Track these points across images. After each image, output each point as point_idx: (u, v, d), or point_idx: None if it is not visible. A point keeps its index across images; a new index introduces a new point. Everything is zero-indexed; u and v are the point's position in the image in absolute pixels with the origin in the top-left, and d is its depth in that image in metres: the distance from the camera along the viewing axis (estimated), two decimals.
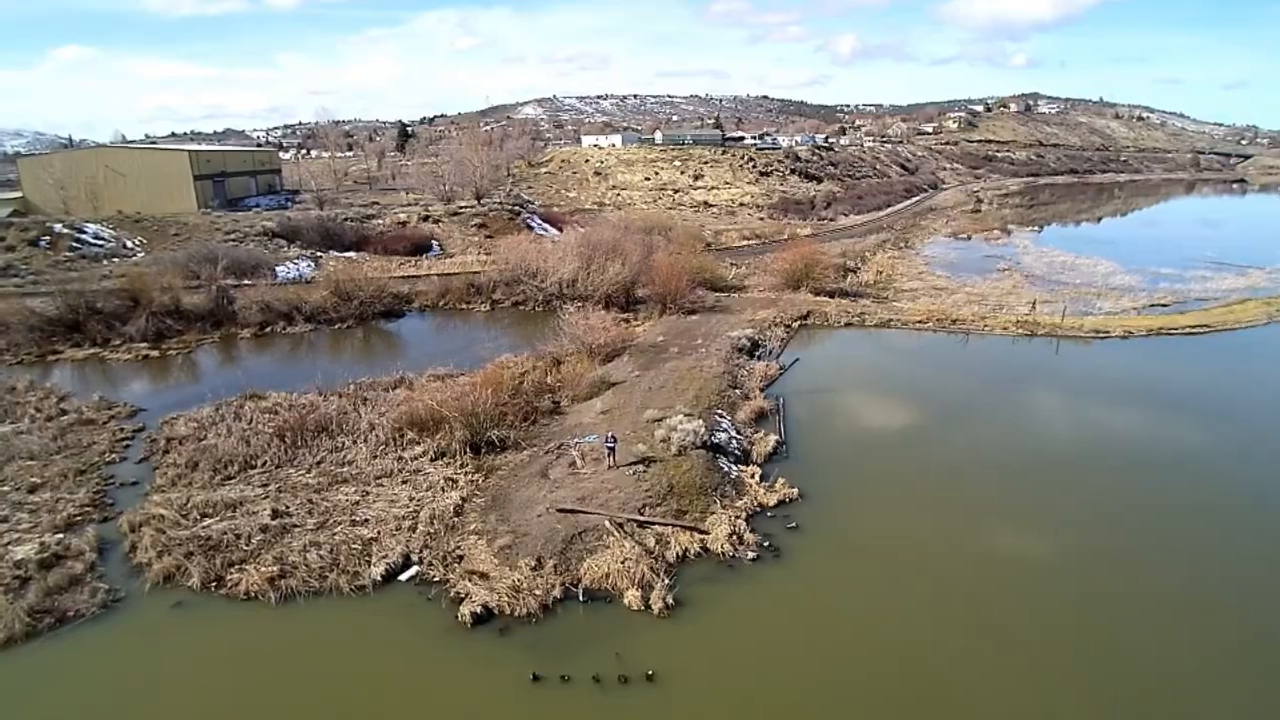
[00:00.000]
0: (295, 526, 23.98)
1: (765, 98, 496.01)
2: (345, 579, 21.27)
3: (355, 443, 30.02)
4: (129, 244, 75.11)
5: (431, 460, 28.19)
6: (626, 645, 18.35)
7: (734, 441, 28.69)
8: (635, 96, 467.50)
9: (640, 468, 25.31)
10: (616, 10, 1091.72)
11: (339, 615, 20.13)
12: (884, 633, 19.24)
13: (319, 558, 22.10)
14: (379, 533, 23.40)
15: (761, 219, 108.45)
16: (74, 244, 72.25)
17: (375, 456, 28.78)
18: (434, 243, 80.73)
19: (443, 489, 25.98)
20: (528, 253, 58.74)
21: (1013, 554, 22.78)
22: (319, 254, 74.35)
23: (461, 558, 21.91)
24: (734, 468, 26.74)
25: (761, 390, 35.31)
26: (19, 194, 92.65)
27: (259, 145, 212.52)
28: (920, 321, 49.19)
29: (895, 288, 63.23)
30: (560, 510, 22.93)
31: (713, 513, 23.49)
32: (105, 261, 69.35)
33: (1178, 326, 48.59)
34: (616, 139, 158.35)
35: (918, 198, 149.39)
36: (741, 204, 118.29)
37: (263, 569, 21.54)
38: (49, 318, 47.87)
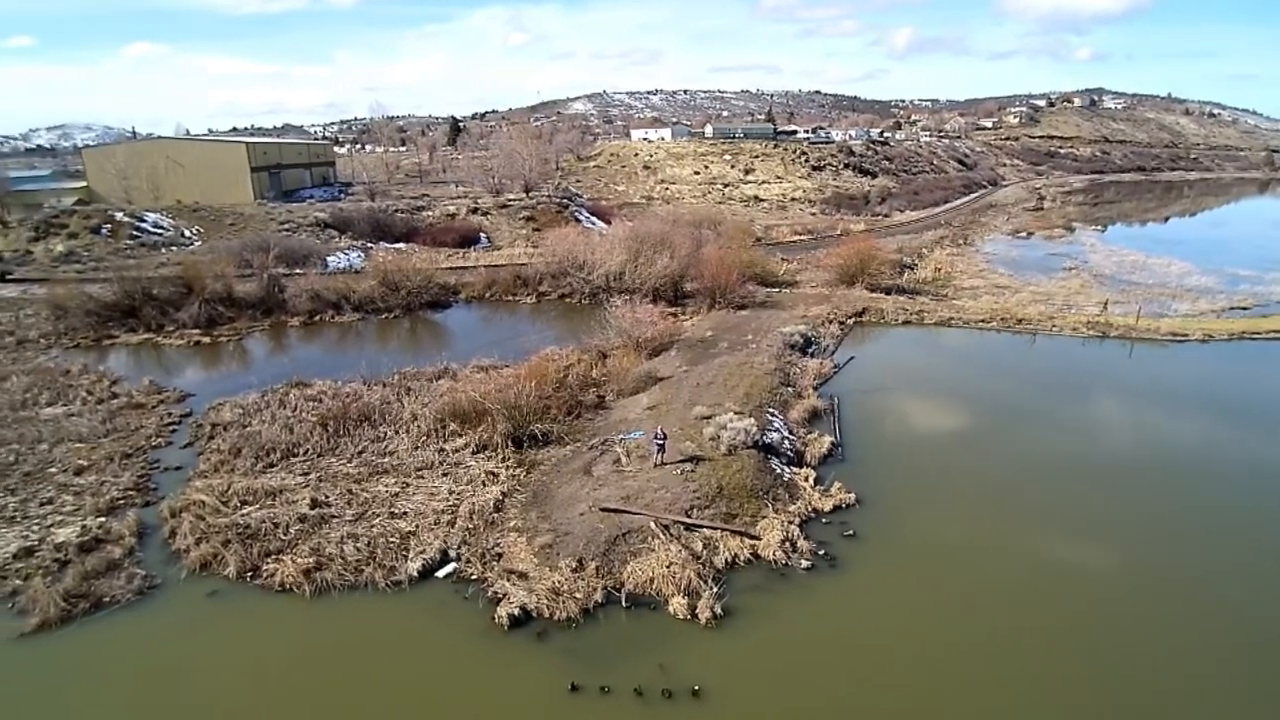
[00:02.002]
0: (333, 517, 23.43)
1: (817, 93, 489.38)
2: (381, 574, 20.58)
3: (397, 433, 29.50)
4: (186, 233, 76.65)
5: (473, 453, 27.46)
6: (670, 656, 17.23)
7: (786, 442, 27.31)
8: (685, 92, 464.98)
9: (688, 467, 24.13)
10: (666, 6, 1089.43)
11: (373, 611, 19.44)
12: (945, 651, 17.75)
13: (356, 550, 21.48)
14: (417, 526, 22.71)
15: (813, 214, 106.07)
16: (134, 232, 74.03)
17: (416, 448, 28.18)
18: (482, 235, 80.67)
19: (483, 483, 25.21)
20: (575, 245, 57.91)
21: (1082, 570, 21.02)
22: (369, 245, 74.85)
23: (500, 556, 21.05)
24: (787, 470, 25.37)
25: (815, 389, 33.78)
26: (84, 184, 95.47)
27: (315, 139, 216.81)
28: (983, 320, 46.92)
29: (955, 285, 60.76)
30: (604, 509, 21.91)
31: (764, 517, 22.18)
32: (163, 250, 70.84)
33: (1261, 331, 45.40)
34: (666, 133, 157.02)
35: (977, 194, 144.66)
36: (793, 199, 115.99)
37: (299, 560, 20.99)
38: (106, 303, 48.73)
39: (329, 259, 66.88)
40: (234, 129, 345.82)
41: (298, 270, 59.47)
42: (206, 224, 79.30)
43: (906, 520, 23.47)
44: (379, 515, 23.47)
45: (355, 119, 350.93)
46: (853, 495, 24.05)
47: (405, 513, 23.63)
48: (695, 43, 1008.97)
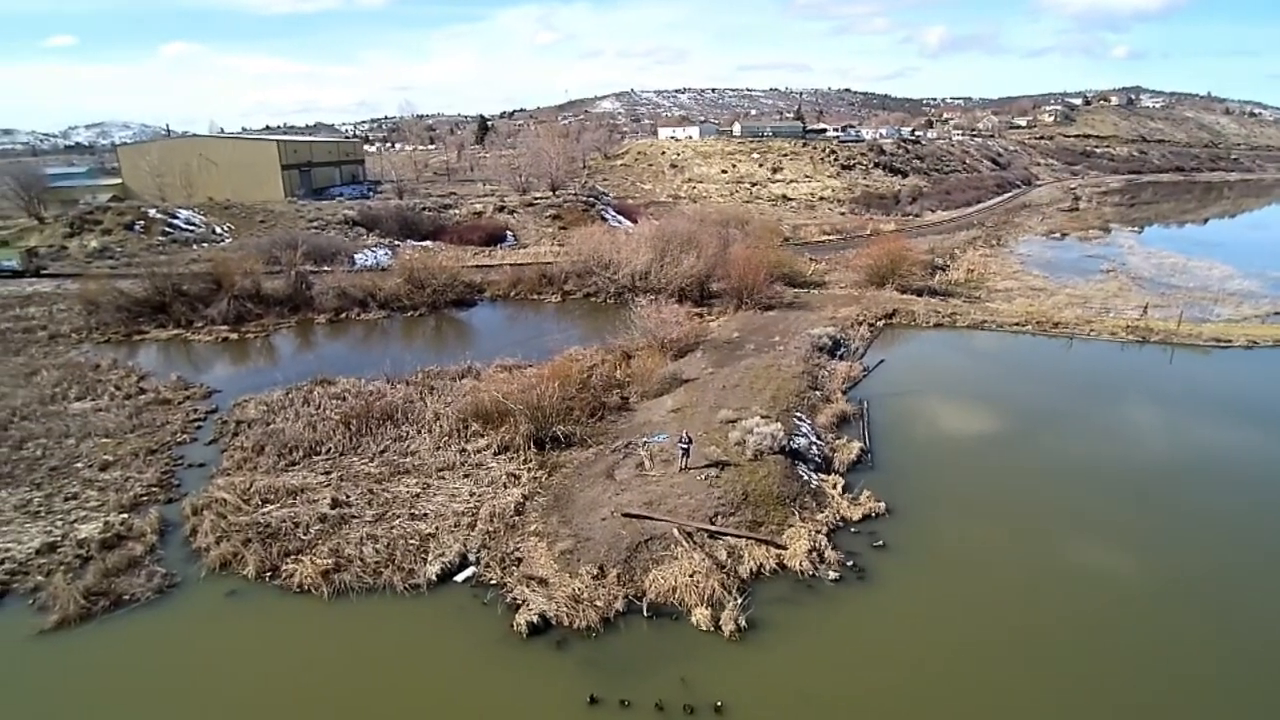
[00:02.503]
0: (354, 517, 23.21)
1: (847, 91, 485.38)
2: (400, 576, 20.28)
3: (419, 433, 29.28)
4: (218, 230, 77.49)
5: (495, 454, 27.13)
6: (693, 670, 16.68)
7: (814, 447, 26.60)
8: (713, 90, 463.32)
9: (713, 472, 23.54)
10: (694, 3, 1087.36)
11: (391, 615, 19.13)
12: (977, 668, 17.04)
13: (375, 552, 21.21)
14: (437, 528, 22.39)
15: (843, 214, 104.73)
16: (166, 228, 74.99)
17: (438, 448, 27.92)
18: (508, 233, 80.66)
19: (504, 485, 24.85)
20: (600, 244, 57.51)
21: (1120, 584, 20.16)
22: (396, 242, 75.14)
23: (520, 560, 20.65)
24: (814, 476, 24.68)
25: (844, 393, 33.00)
26: (119, 180, 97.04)
27: (346, 138, 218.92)
28: (1017, 324, 45.71)
29: (988, 287, 59.42)
30: (626, 515, 21.42)
31: (791, 525, 21.54)
32: (194, 246, 71.65)
33: None
34: (693, 131, 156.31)
35: (1010, 193, 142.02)
36: (822, 198, 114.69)
37: (318, 561, 20.77)
38: (137, 299, 49.25)
39: (356, 256, 67.20)
40: (267, 127, 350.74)
41: (325, 268, 59.75)
42: (237, 221, 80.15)
43: (938, 530, 22.69)
44: (399, 516, 23.20)
45: (385, 118, 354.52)
46: (882, 504, 23.31)
47: (425, 514, 23.33)
48: (723, 41, 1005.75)
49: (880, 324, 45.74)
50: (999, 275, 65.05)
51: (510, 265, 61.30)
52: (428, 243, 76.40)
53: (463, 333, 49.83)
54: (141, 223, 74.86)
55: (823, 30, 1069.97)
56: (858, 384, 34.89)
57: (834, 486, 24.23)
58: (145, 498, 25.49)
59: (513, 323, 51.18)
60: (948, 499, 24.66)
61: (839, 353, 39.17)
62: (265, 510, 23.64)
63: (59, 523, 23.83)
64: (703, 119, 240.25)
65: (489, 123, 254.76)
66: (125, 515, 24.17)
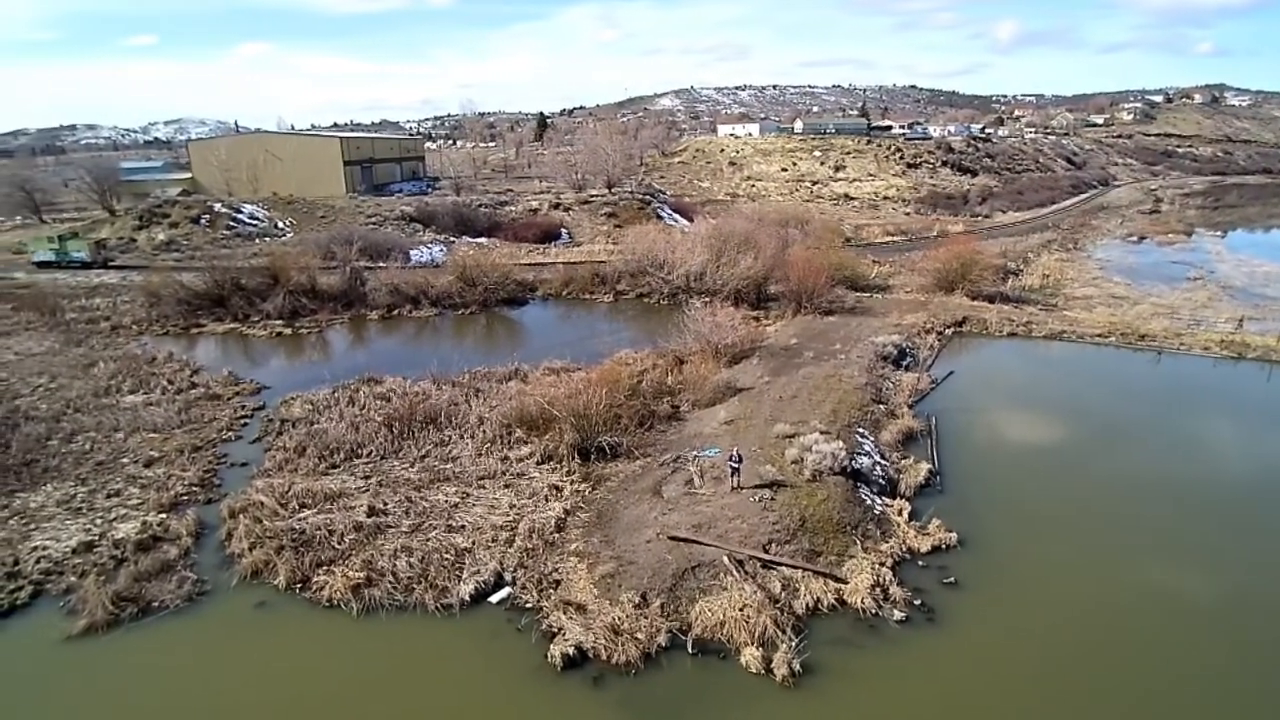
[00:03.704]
0: (390, 527, 22.29)
1: (913, 87, 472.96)
2: (432, 595, 19.21)
3: (462, 437, 28.34)
4: (280, 224, 78.74)
5: (538, 463, 25.97)
6: (741, 718, 15.13)
7: (878, 468, 24.66)
8: (774, 87, 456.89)
9: (767, 493, 21.86)
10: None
11: (420, 636, 18.06)
12: None
13: (408, 566, 20.20)
14: (474, 543, 21.29)
15: (908, 214, 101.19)
16: (231, 223, 76.50)
17: (480, 454, 26.89)
18: (563, 230, 79.97)
19: (546, 498, 23.64)
20: (655, 243, 56.08)
21: (1222, 624, 17.81)
22: (452, 239, 75.22)
23: (558, 583, 19.36)
24: (878, 501, 22.77)
25: (910, 407, 30.83)
26: (189, 175, 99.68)
27: (410, 135, 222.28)
28: (1099, 335, 42.58)
29: (1065, 294, 55.93)
30: (672, 538, 19.95)
31: (852, 556, 19.73)
32: (256, 240, 72.89)
33: None
34: (754, 128, 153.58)
35: (1086, 194, 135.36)
36: (886, 197, 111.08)
37: (350, 573, 19.87)
38: (197, 292, 49.90)
39: (412, 252, 67.31)
40: (334, 124, 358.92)
41: (380, 264, 59.86)
42: (299, 216, 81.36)
43: (1015, 566, 20.58)
44: (435, 528, 22.19)
45: (449, 115, 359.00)
46: (954, 535, 21.28)
47: (463, 526, 22.27)
48: (786, 37, 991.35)
49: (949, 332, 43.16)
50: (1076, 281, 61.33)
51: (563, 264, 60.35)
52: (483, 239, 76.31)
53: (513, 332, 49.07)
54: (207, 216, 76.54)
55: (887, 25, 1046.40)
56: (925, 397, 32.63)
57: (900, 513, 22.29)
58: (186, 497, 25.12)
59: (563, 323, 50.19)
60: (1026, 529, 22.47)
61: (905, 363, 36.88)
62: (301, 516, 22.92)
63: (99, 520, 23.57)
64: (763, 116, 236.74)
65: (549, 120, 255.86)
66: (164, 515, 23.78)
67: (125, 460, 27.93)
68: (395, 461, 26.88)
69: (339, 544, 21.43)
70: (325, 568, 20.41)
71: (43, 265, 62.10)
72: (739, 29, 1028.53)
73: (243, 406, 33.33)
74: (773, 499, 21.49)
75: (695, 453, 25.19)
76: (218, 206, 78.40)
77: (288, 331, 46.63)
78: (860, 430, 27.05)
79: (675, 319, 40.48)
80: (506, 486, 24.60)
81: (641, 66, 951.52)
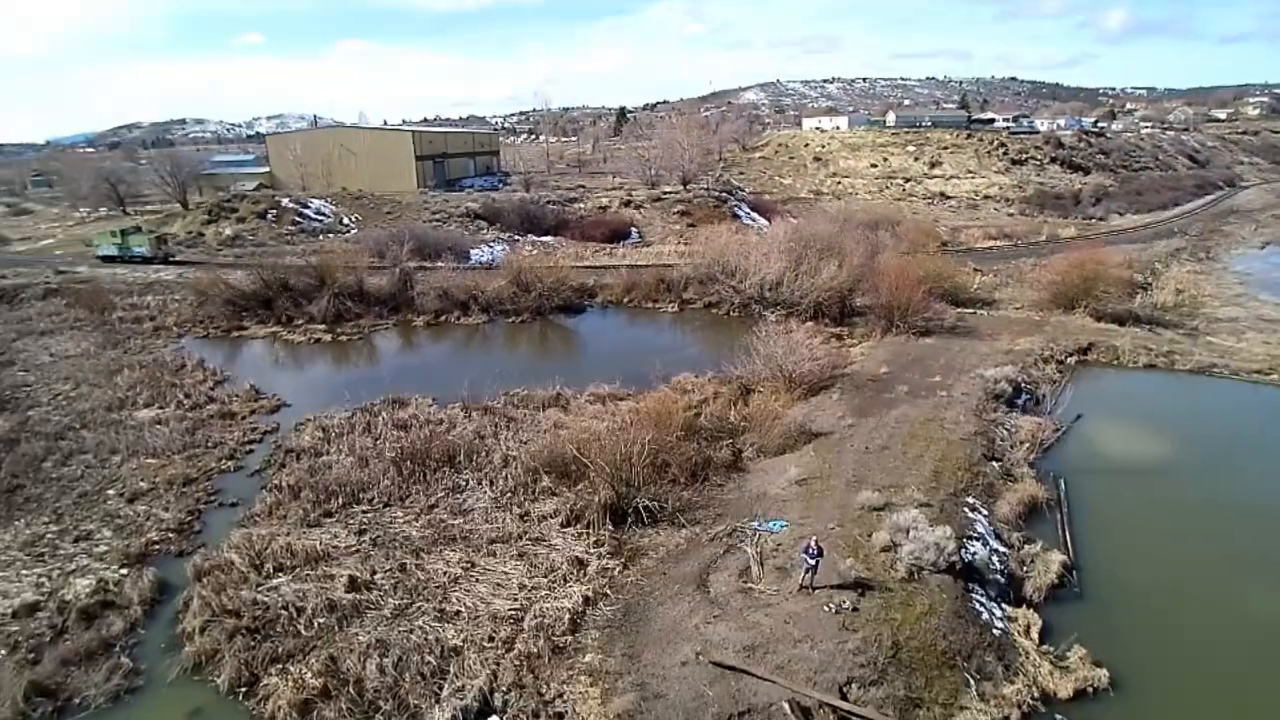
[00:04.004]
0: (370, 608, 18.07)
1: (1013, 79, 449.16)
2: None
3: (480, 483, 24.01)
4: (345, 220, 76.96)
5: (562, 525, 21.33)
6: None
7: (996, 559, 18.89)
8: (864, 80, 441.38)
9: (847, 600, 16.46)
10: None
11: None
12: None
13: (378, 672, 15.86)
14: (466, 640, 16.77)
15: (1011, 215, 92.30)
16: (297, 218, 75.06)
17: (498, 508, 22.48)
18: (633, 229, 75.47)
19: (565, 577, 18.94)
20: (727, 246, 50.75)
21: None
22: (516, 237, 71.75)
23: (561, 716, 14.62)
24: (997, 613, 17.02)
25: (1031, 464, 24.73)
26: (267, 169, 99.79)
27: (494, 130, 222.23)
28: (1260, 370, 34.99)
29: (1205, 315, 47.67)
30: (716, 664, 14.92)
31: (964, 708, 14.21)
32: (320, 237, 71.10)
33: None
34: (841, 121, 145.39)
35: (1212, 196, 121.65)
36: (987, 196, 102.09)
37: (306, 678, 15.71)
38: (244, 292, 47.59)
39: (472, 251, 64.01)
40: (424, 119, 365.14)
41: (440, 264, 56.59)
42: (365, 211, 79.46)
43: None
44: (425, 613, 17.82)
45: (534, 110, 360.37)
46: (1103, 671, 15.41)
47: (458, 612, 17.84)
48: (878, 27, 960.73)
49: (1071, 361, 36.25)
50: (1216, 299, 52.70)
51: (627, 267, 55.61)
52: (548, 238, 72.55)
53: (566, 343, 44.87)
54: (274, 211, 75.38)
55: (987, 15, 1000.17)
56: (1049, 450, 26.34)
57: (1027, 631, 16.56)
58: (158, 546, 21.71)
59: (621, 335, 45.59)
60: (1204, 662, 16.38)
61: (1021, 401, 30.51)
62: (272, 585, 19.00)
63: (56, 573, 20.37)
64: (851, 109, 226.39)
65: (631, 114, 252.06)
66: (126, 570, 20.35)
67: (111, 492, 24.85)
68: (399, 511, 22.78)
69: (305, 629, 17.35)
70: (280, 664, 16.33)
71: (106, 259, 61.51)
72: (829, 20, 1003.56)
73: (255, 428, 30.01)
74: (855, 610, 16.10)
75: (756, 524, 20.02)
76: (285, 201, 77.20)
77: (327, 338, 43.57)
78: (970, 501, 21.24)
79: (745, 335, 35.23)
80: (520, 556, 20.05)
81: (728, 60, 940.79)
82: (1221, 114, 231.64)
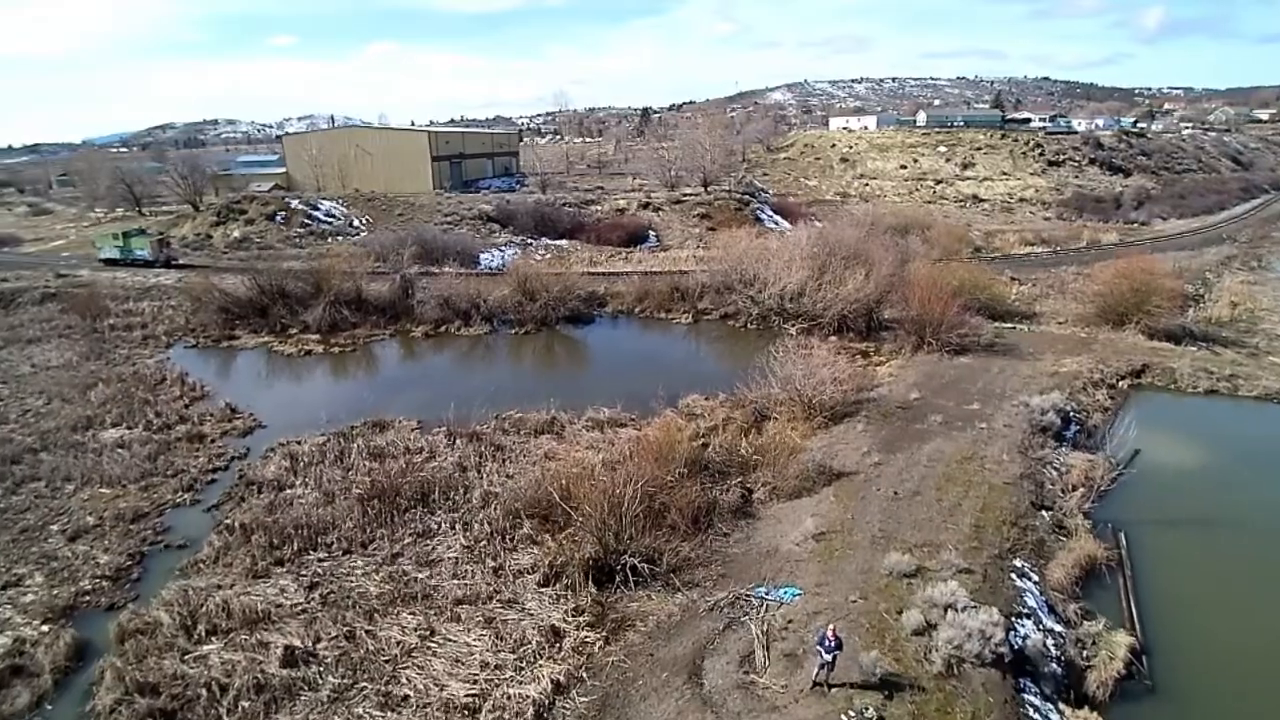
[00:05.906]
0: (305, 689, 15.40)
1: (1046, 79, 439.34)
2: None
3: (454, 527, 21.32)
4: (355, 222, 75.05)
5: (539, 584, 18.51)
6: None
7: (1050, 641, 15.71)
8: (893, 79, 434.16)
9: (869, 705, 13.43)
10: None
11: None
12: None
13: None
14: None
15: (1047, 218, 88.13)
16: (306, 220, 73.26)
17: (469, 559, 19.75)
18: (651, 233, 72.65)
19: (536, 653, 16.12)
20: (746, 253, 47.67)
21: None
22: (530, 241, 69.28)
23: None
24: (1054, 715, 13.91)
25: (1085, 513, 21.44)
26: (283, 170, 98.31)
27: (519, 130, 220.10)
28: None
29: (1265, 331, 43.74)
30: None
31: None
32: (329, 239, 69.14)
33: None
34: (869, 121, 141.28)
35: (1259, 200, 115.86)
36: (1022, 199, 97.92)
37: None
38: (239, 299, 45.55)
39: (481, 256, 61.64)
40: (450, 120, 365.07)
41: (445, 269, 54.15)
42: (377, 213, 77.45)
43: None
44: (366, 697, 15.13)
45: (559, 110, 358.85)
46: None
47: (407, 696, 15.12)
48: (908, 26, 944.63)
49: (1123, 384, 32.73)
50: (1274, 313, 48.66)
51: (640, 273, 52.76)
52: (563, 242, 69.91)
53: (571, 356, 42.15)
54: (283, 213, 73.61)
55: (1020, 13, 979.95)
56: (1104, 495, 22.96)
57: None
58: (88, 597, 19.27)
59: (631, 348, 42.76)
60: None
61: (1070, 433, 27.13)
62: (200, 652, 16.44)
63: None
64: (880, 109, 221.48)
65: (656, 114, 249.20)
66: (48, 627, 17.91)
67: (55, 528, 22.57)
68: (359, 560, 20.14)
69: (226, 714, 14.72)
70: None
71: (108, 262, 59.99)
72: (858, 20, 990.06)
73: (222, 453, 27.57)
74: (880, 719, 13.06)
75: (764, 592, 17.04)
76: (294, 203, 75.39)
77: (320, 349, 41.14)
78: (1018, 565, 18.04)
79: (763, 351, 32.09)
80: (488, 622, 17.25)
81: (756, 60, 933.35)
82: (1264, 114, 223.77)
